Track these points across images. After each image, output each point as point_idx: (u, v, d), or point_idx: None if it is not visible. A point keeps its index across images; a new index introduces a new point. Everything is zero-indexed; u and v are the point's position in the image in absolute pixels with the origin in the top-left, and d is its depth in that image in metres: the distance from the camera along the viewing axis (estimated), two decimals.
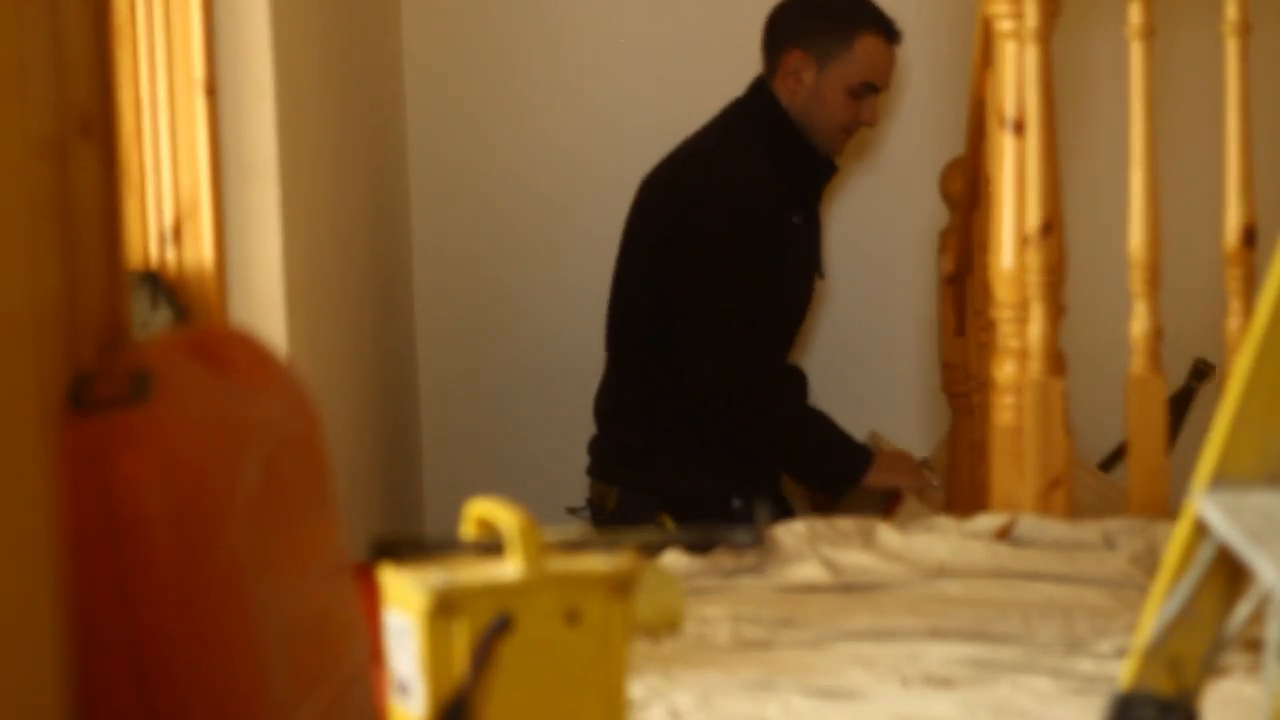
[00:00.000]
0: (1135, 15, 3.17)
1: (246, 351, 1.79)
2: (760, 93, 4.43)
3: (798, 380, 4.66)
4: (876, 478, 4.35)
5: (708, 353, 4.23)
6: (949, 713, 2.34)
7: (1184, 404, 4.58)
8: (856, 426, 5.26)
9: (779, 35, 4.43)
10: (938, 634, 2.61)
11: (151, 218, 2.93)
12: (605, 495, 4.42)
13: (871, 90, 4.41)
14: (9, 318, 1.47)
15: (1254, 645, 2.55)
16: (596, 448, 4.52)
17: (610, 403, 4.49)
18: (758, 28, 4.48)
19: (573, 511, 4.54)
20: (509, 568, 1.92)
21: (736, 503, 4.44)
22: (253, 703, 1.65)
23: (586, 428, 4.56)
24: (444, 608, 1.88)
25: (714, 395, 4.24)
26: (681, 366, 4.27)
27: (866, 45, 4.36)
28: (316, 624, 1.79)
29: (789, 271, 4.40)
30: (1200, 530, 1.94)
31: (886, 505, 4.41)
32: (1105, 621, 2.64)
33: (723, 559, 2.92)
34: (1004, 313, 3.24)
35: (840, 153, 4.53)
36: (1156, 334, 3.17)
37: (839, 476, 4.37)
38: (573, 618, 1.92)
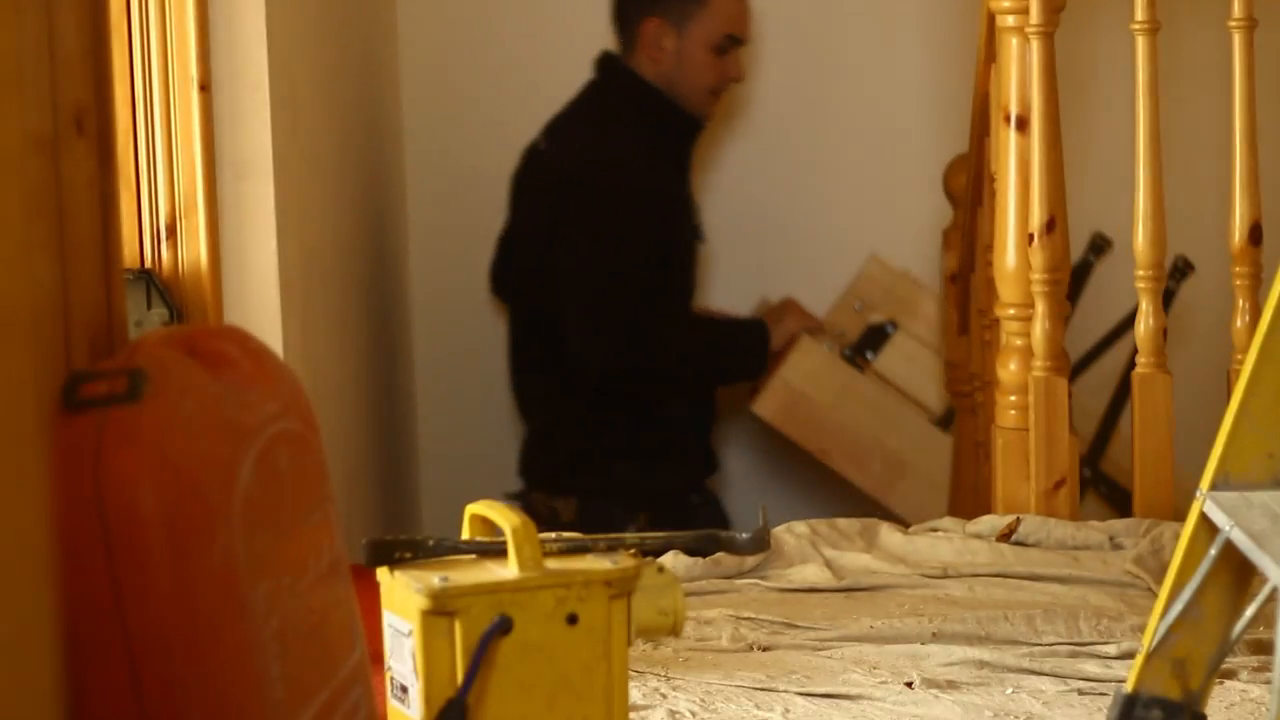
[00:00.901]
0: (1140, 11, 3.15)
1: (241, 350, 1.77)
2: (616, 70, 4.42)
3: None
4: (776, 338, 4.49)
5: (594, 334, 4.24)
6: (952, 715, 2.33)
7: (1080, 278, 4.63)
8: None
9: (631, 7, 4.43)
10: (941, 636, 2.60)
11: (146, 216, 2.92)
12: (559, 506, 4.39)
13: (735, 43, 4.43)
14: (3, 316, 1.45)
15: (1259, 646, 2.54)
16: (540, 460, 4.50)
17: (548, 412, 4.48)
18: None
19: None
20: (508, 569, 1.91)
21: (695, 498, 4.46)
22: (249, 703, 1.64)
23: None
24: (442, 609, 1.87)
25: (605, 376, 4.29)
26: (567, 346, 4.28)
27: None
28: (314, 624, 1.77)
29: (681, 242, 4.40)
30: (1206, 531, 1.94)
31: (781, 350, 4.51)
32: (1110, 623, 2.63)
33: (724, 561, 2.91)
34: (1008, 311, 3.22)
35: (711, 116, 4.54)
36: (1161, 332, 3.15)
37: (753, 364, 4.48)
38: (572, 619, 1.90)
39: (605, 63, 4.45)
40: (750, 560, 2.92)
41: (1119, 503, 4.57)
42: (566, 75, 5.06)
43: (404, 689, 1.93)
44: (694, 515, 4.41)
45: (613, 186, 4.23)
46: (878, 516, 4.44)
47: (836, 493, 5.08)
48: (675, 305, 4.42)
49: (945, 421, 4.71)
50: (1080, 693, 2.41)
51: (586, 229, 4.22)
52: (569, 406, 4.42)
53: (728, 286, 5.21)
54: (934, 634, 2.61)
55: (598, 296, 4.22)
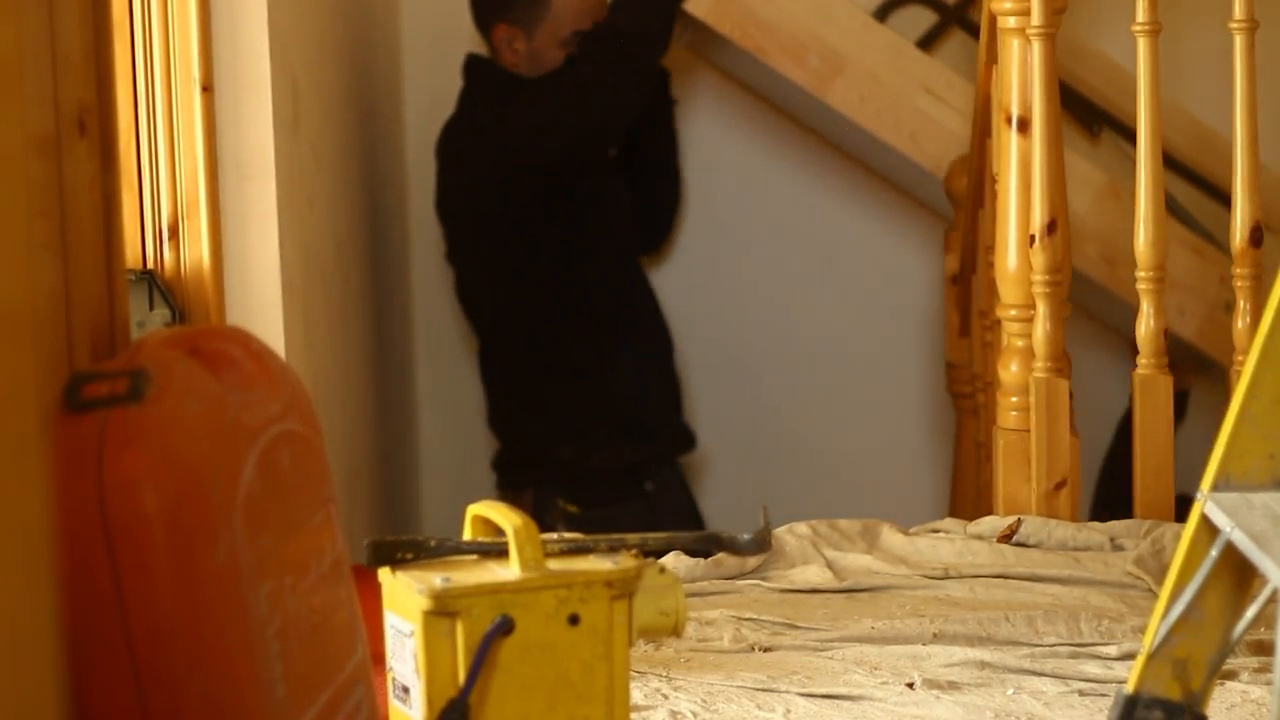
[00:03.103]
0: (1141, 13, 3.15)
1: (244, 350, 1.77)
2: (482, 66, 4.44)
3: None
4: None
5: (577, 103, 4.25)
6: (953, 716, 2.33)
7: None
8: (862, 430, 5.27)
9: (480, 16, 4.47)
10: (942, 637, 2.60)
11: (148, 217, 2.92)
12: (519, 504, 4.40)
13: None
14: (5, 316, 1.45)
15: (1260, 648, 2.54)
16: (503, 461, 4.53)
17: (503, 414, 4.51)
18: None
19: None
20: (510, 570, 1.91)
21: (649, 485, 4.43)
22: (251, 703, 1.64)
23: None
24: (444, 609, 1.87)
25: (625, 110, 4.30)
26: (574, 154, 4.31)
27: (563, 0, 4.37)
28: (316, 625, 1.78)
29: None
30: (1207, 532, 1.94)
31: None
32: (1111, 624, 2.63)
33: (725, 561, 2.91)
34: (1009, 312, 3.22)
35: None
36: (1162, 333, 3.15)
37: None
38: (573, 620, 1.91)
39: (471, 65, 4.49)
40: (751, 561, 2.92)
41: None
42: None
43: (405, 689, 1.93)
44: (641, 500, 4.40)
45: (510, 104, 4.30)
46: (815, 120, 4.29)
47: (818, 468, 5.08)
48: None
49: (882, 14, 4.60)
50: (1081, 693, 2.41)
51: (514, 117, 4.27)
52: (516, 401, 4.44)
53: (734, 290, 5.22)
54: (935, 635, 2.61)
55: (551, 99, 4.25)
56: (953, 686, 2.42)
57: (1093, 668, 2.48)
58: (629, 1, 4.32)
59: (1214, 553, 1.92)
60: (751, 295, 5.22)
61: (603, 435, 4.40)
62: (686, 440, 4.61)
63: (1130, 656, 2.46)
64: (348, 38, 4.18)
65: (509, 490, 4.48)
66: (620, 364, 4.45)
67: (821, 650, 2.57)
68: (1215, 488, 1.93)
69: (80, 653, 1.56)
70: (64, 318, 1.66)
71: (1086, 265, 4.03)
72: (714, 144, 5.14)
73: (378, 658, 1.96)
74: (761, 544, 2.10)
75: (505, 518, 1.94)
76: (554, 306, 4.40)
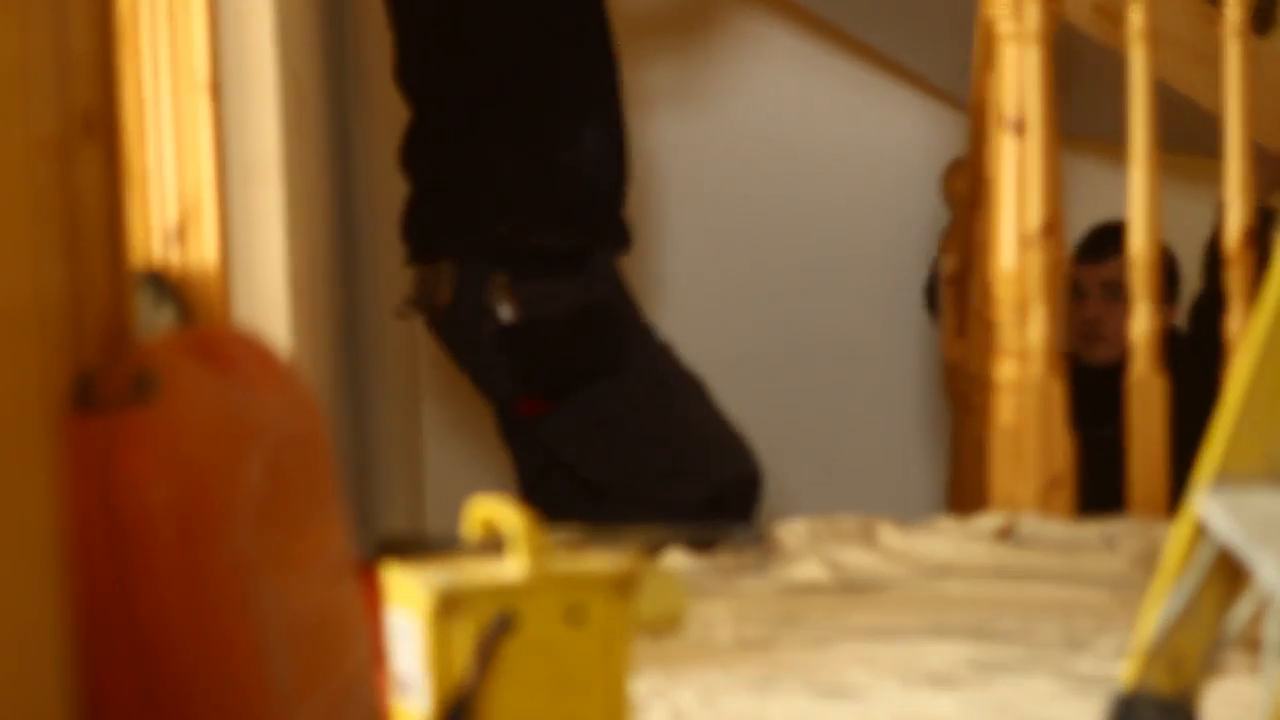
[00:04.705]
0: (1136, 17, 3.17)
1: (249, 351, 1.79)
2: None
3: None
4: None
5: None
6: (950, 712, 2.35)
7: None
8: (859, 429, 5.28)
9: None
10: (939, 633, 2.62)
11: (155, 218, 2.94)
12: (437, 279, 3.88)
13: None
14: (13, 317, 1.47)
15: (1254, 645, 2.56)
16: (416, 218, 3.95)
17: (428, 161, 3.94)
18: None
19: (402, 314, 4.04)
20: (511, 567, 1.93)
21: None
22: (255, 701, 1.66)
23: None
24: (447, 607, 1.88)
25: None
26: None
27: None
28: (319, 623, 1.79)
29: None
30: (1200, 530, 1.95)
31: None
32: (1106, 621, 2.65)
33: (724, 558, 2.93)
34: (1004, 313, 3.24)
35: None
36: (1158, 334, 3.17)
37: None
38: (575, 617, 1.92)
39: None
40: (751, 558, 2.93)
41: None
42: None
43: (407, 687, 1.95)
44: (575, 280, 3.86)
45: None
46: None
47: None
48: None
49: None
50: (1075, 690, 2.43)
51: None
52: (450, 154, 3.90)
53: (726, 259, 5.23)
54: (932, 631, 2.62)
55: None
56: (950, 682, 2.44)
57: (1087, 664, 2.50)
58: None
59: (1207, 551, 1.94)
60: (748, 294, 5.23)
61: (547, 213, 3.86)
62: (623, 237, 4.01)
63: (1125, 654, 2.48)
64: (353, 36, 4.20)
65: (423, 261, 3.94)
66: (579, 145, 3.90)
67: (820, 646, 2.59)
68: (1209, 485, 1.94)
69: (87, 650, 1.58)
70: (70, 319, 1.67)
71: None
72: (708, 141, 5.16)
73: (380, 655, 1.98)
74: (760, 541, 2.11)
75: (507, 516, 1.96)
76: (518, 80, 3.88)
